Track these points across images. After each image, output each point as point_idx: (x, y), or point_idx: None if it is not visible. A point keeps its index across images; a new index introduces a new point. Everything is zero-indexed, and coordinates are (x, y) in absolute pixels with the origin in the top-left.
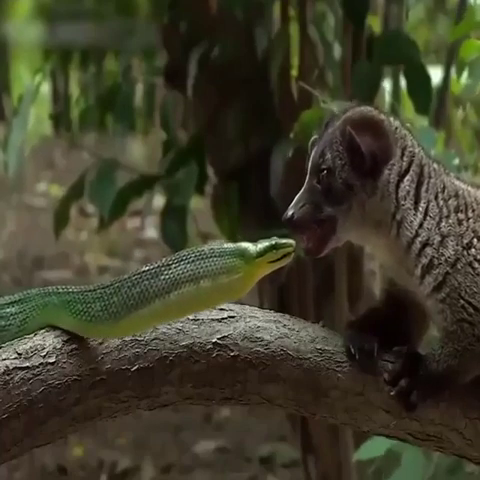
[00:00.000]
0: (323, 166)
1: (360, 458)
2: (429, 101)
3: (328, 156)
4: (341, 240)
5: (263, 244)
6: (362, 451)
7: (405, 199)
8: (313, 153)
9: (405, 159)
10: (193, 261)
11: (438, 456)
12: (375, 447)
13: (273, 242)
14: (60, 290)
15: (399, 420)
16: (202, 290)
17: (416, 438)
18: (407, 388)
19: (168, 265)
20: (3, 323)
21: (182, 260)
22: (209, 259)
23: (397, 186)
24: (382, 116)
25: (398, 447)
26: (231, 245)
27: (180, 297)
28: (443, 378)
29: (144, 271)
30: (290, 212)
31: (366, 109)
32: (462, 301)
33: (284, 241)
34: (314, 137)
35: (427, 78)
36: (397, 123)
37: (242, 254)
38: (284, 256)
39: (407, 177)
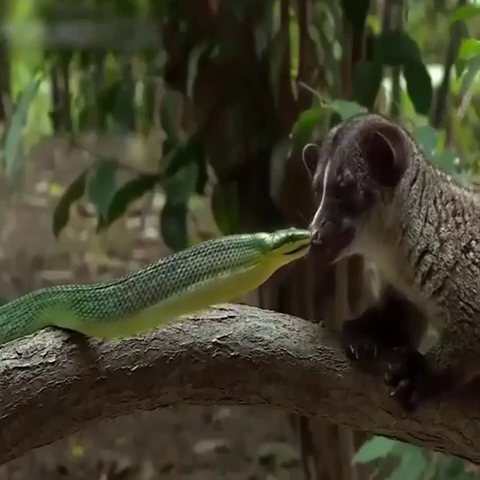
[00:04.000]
0: (343, 183)
1: (360, 460)
2: (429, 101)
3: (348, 172)
4: (353, 250)
5: (280, 235)
6: (362, 453)
7: (412, 207)
8: (328, 169)
9: (414, 167)
10: (210, 253)
11: (438, 457)
12: (375, 449)
13: (290, 233)
14: (69, 288)
15: (399, 420)
16: (220, 282)
17: (416, 438)
18: (407, 388)
19: (185, 258)
20: (10, 327)
21: (199, 252)
22: (227, 250)
23: (408, 194)
24: (394, 124)
25: (398, 449)
26: (248, 236)
27: (198, 289)
28: (443, 378)
29: (160, 264)
30: (313, 232)
31: (377, 118)
32: (462, 303)
33: (301, 232)
34: (310, 145)
35: (427, 78)
36: (404, 131)
37: (259, 244)
38: (300, 248)
39: (415, 185)
